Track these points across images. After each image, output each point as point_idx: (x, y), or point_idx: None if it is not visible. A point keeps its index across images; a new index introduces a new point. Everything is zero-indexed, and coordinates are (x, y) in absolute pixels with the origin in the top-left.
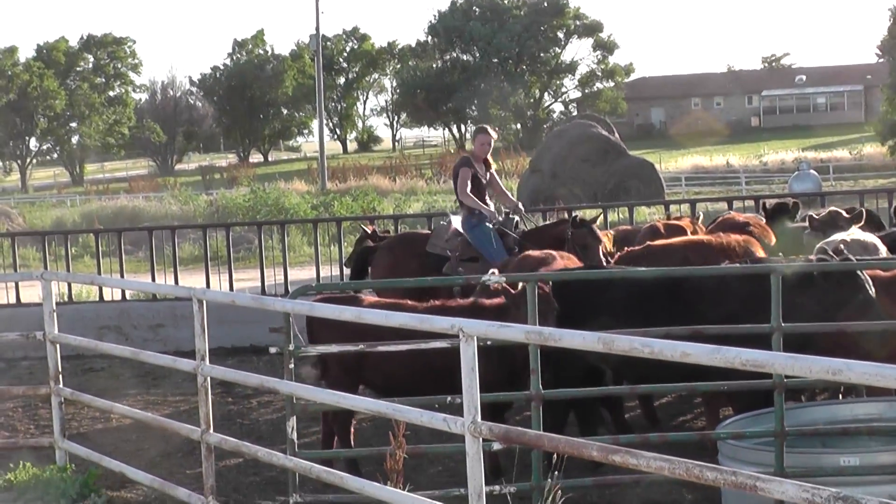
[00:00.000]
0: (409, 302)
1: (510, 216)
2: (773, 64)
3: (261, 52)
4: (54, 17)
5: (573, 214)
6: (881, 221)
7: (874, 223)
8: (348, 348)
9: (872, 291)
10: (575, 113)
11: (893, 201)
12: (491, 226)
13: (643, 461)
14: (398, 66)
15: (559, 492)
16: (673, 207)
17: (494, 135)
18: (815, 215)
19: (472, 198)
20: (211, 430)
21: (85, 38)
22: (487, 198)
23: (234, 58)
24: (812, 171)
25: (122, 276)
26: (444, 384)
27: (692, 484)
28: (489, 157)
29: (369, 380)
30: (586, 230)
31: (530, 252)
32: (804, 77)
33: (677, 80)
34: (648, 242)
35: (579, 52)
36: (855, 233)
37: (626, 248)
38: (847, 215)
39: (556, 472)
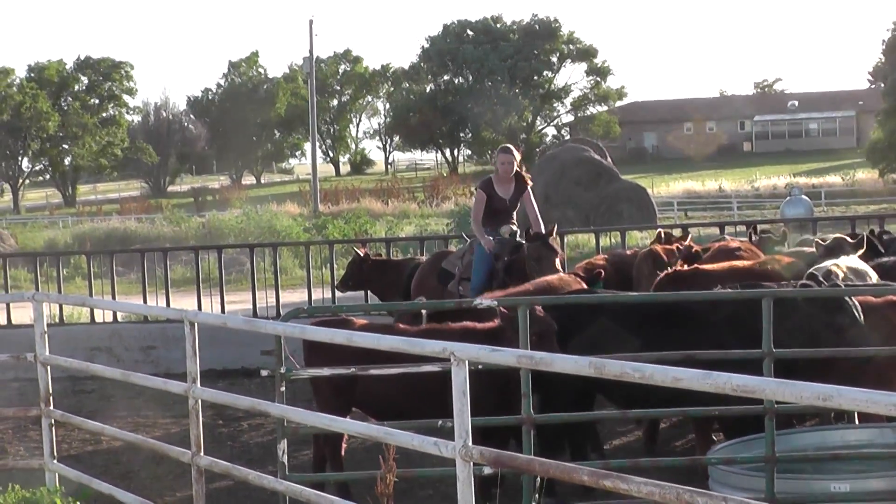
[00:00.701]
0: (401, 325)
1: (509, 238)
2: (766, 89)
3: (254, 73)
4: (49, 39)
5: (527, 228)
6: (880, 248)
7: (874, 250)
8: (340, 371)
9: (860, 317)
10: (567, 137)
11: (885, 227)
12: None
13: (633, 486)
14: (391, 88)
15: None
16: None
17: (517, 154)
18: (821, 241)
19: (478, 226)
20: (202, 453)
21: (82, 59)
22: (513, 219)
23: (229, 79)
24: (804, 197)
25: (113, 297)
26: (436, 407)
27: None
28: (526, 174)
29: (361, 402)
30: (540, 243)
31: (548, 278)
32: (796, 102)
33: (670, 105)
34: (697, 265)
35: (572, 76)
36: (848, 259)
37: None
38: (852, 241)
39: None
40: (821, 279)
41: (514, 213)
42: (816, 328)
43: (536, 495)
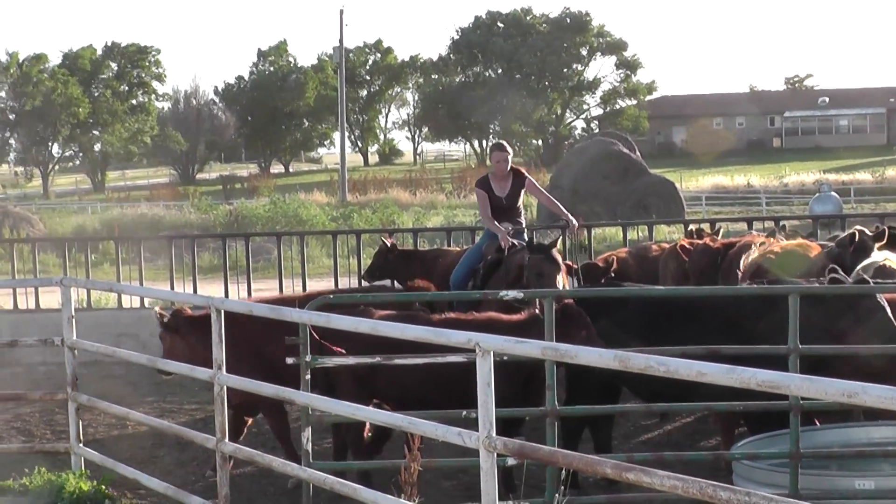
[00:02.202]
0: (421, 315)
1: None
2: (796, 85)
3: (284, 62)
4: (81, 26)
5: (530, 238)
6: None
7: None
8: (364, 360)
9: (889, 314)
10: (596, 130)
11: None
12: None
13: (657, 479)
14: (420, 79)
15: None
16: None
17: (510, 150)
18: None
19: (490, 220)
20: (226, 440)
21: (109, 45)
22: (518, 215)
23: (258, 68)
24: (833, 193)
25: (141, 283)
26: (457, 398)
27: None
28: (520, 168)
29: (381, 392)
30: (542, 256)
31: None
32: (827, 99)
33: (700, 100)
34: None
35: (602, 69)
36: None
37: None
38: (871, 234)
39: (564, 488)
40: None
41: (518, 209)
42: (843, 326)
43: (562, 487)
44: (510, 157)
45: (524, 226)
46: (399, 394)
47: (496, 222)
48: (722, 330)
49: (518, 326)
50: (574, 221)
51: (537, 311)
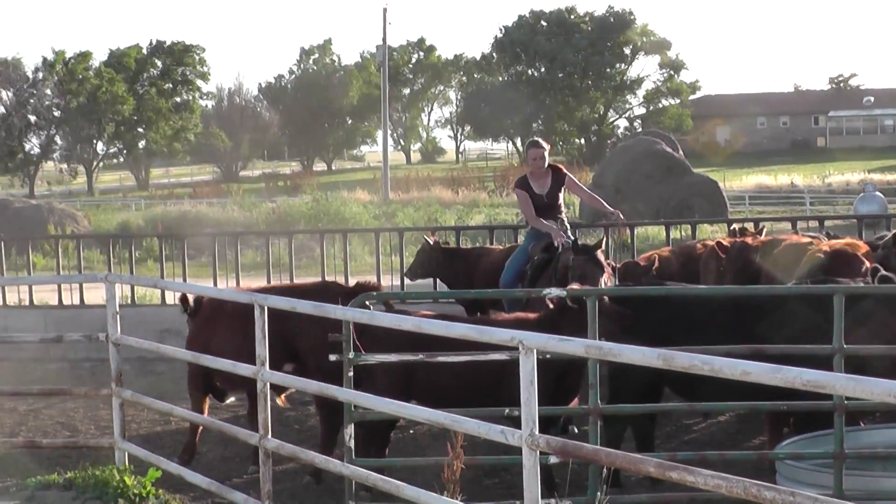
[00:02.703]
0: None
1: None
2: (841, 84)
3: (328, 61)
4: (126, 24)
5: (573, 239)
6: None
7: None
8: (407, 358)
9: None
10: (639, 129)
11: None
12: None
13: (700, 479)
14: (463, 78)
15: None
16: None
17: (546, 146)
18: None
19: (538, 220)
20: (269, 436)
21: (154, 43)
22: (560, 213)
23: (302, 66)
24: (878, 193)
25: (184, 280)
26: (494, 397)
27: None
28: (559, 165)
29: (417, 393)
30: (586, 257)
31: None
32: (872, 98)
33: (743, 99)
34: None
35: (645, 68)
36: None
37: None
38: None
39: (605, 486)
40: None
41: (559, 206)
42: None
43: (604, 486)
44: (546, 154)
45: (567, 223)
46: (431, 395)
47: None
48: (764, 329)
49: (544, 322)
50: (620, 215)
51: (551, 306)
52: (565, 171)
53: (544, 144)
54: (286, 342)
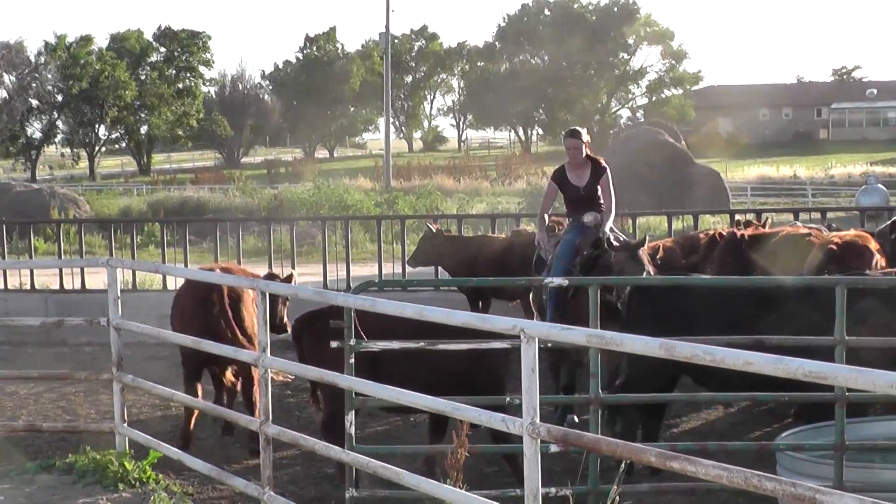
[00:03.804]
0: None
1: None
2: (844, 76)
3: (331, 48)
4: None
5: (609, 238)
6: None
7: None
8: (409, 345)
9: None
10: (642, 119)
11: None
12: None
13: (701, 469)
14: (466, 66)
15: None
16: (738, 217)
17: (586, 136)
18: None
19: (540, 218)
20: (270, 422)
21: (162, 29)
22: (598, 205)
23: (305, 53)
24: (880, 186)
25: (185, 265)
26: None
27: (749, 494)
28: (600, 159)
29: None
30: (627, 255)
31: None
32: (875, 91)
33: (746, 90)
34: None
35: (648, 58)
36: None
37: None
38: None
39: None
40: None
41: (598, 199)
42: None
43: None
44: (585, 144)
45: (605, 219)
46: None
47: (573, 214)
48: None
49: None
50: (605, 235)
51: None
52: (606, 167)
53: (584, 135)
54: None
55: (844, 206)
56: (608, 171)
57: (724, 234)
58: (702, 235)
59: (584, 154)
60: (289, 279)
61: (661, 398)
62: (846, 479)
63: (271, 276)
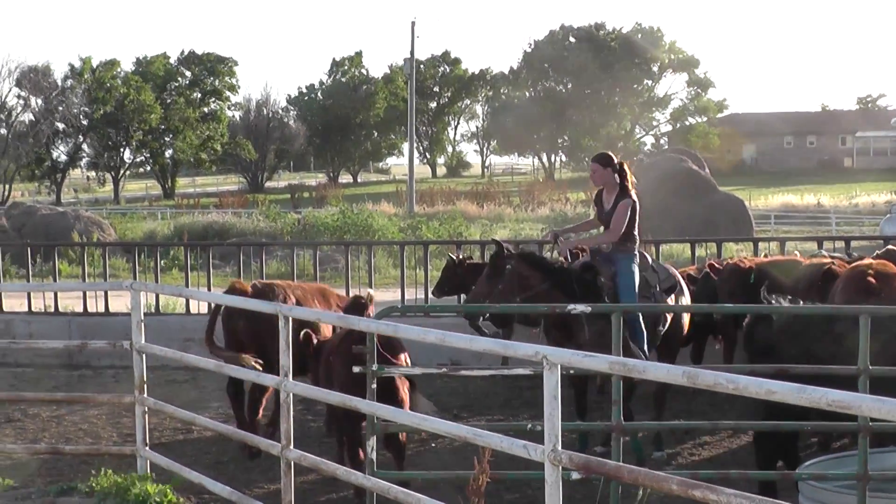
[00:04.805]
0: None
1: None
2: (869, 105)
3: (356, 73)
4: (155, 32)
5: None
6: None
7: None
8: (432, 371)
9: None
10: (666, 146)
11: None
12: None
13: (724, 497)
14: (490, 92)
15: None
16: (761, 245)
17: (605, 161)
18: None
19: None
20: (291, 447)
21: (186, 54)
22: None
23: (331, 78)
24: None
25: (209, 289)
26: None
27: None
28: (629, 187)
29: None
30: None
31: None
32: None
33: (770, 118)
34: None
35: (673, 86)
36: None
37: None
38: None
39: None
40: None
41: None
42: None
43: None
44: (600, 169)
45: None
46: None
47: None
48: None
49: None
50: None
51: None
52: (629, 196)
53: (604, 159)
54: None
55: (868, 235)
56: (630, 200)
57: (718, 265)
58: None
59: (603, 178)
60: (369, 299)
61: (686, 426)
62: None
63: (358, 299)
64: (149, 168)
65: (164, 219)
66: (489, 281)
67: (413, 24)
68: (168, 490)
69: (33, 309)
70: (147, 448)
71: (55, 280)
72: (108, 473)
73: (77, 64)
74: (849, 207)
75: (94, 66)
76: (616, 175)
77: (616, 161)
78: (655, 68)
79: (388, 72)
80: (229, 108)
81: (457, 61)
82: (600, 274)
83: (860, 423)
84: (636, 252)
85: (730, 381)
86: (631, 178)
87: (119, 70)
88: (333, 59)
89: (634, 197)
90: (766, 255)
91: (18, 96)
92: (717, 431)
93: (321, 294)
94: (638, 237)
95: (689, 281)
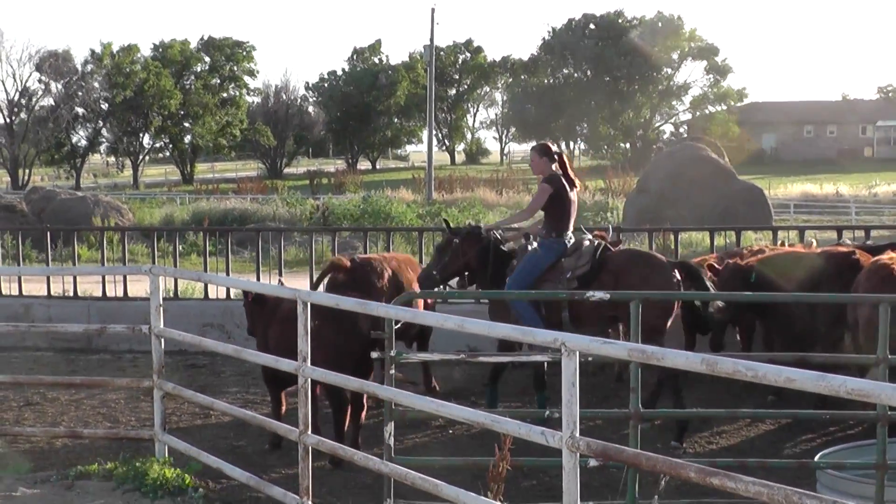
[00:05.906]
0: None
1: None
2: (890, 94)
3: (376, 60)
4: (175, 18)
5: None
6: None
7: None
8: (449, 357)
9: None
10: (685, 135)
11: None
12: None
13: (741, 485)
14: (510, 80)
15: None
16: (780, 234)
17: (540, 151)
18: None
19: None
20: (309, 432)
21: (205, 39)
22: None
23: (351, 65)
24: None
25: (227, 274)
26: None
27: None
28: (561, 171)
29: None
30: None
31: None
32: None
33: (790, 107)
34: None
35: (692, 74)
36: None
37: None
38: None
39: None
40: None
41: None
42: None
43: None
44: (536, 158)
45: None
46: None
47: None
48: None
49: None
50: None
51: None
52: (546, 182)
53: (539, 149)
54: None
55: (889, 224)
56: (546, 185)
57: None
58: (745, 252)
59: (539, 167)
60: None
61: (704, 414)
62: (887, 499)
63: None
64: (168, 153)
65: (183, 204)
66: (438, 254)
67: (433, 10)
68: (186, 474)
69: (52, 293)
70: (165, 432)
71: (74, 264)
72: (126, 458)
73: (97, 49)
74: (868, 197)
75: (114, 51)
76: (554, 165)
77: (553, 151)
78: (675, 56)
79: (408, 59)
80: (248, 94)
81: (478, 49)
82: (514, 258)
83: (879, 411)
84: (555, 237)
85: (749, 369)
86: (571, 171)
87: (138, 55)
88: (354, 48)
89: (566, 185)
90: (782, 243)
91: (39, 81)
92: (736, 420)
93: (410, 266)
94: (565, 223)
95: (710, 271)
